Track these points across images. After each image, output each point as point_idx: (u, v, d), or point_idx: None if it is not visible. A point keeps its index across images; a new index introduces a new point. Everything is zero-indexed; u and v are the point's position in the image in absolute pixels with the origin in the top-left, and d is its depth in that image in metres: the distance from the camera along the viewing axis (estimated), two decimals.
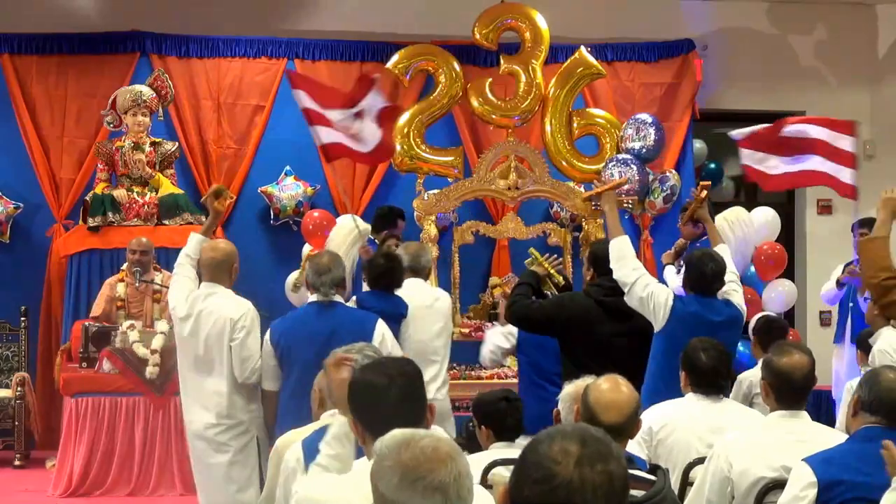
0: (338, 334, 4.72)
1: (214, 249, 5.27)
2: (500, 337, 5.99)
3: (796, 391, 3.83)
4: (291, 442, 3.80)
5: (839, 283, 7.67)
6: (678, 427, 4.30)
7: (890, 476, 3.15)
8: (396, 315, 5.55)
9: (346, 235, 7.24)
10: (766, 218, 8.18)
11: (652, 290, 5.17)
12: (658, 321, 5.16)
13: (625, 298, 5.22)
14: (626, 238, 5.33)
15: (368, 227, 7.45)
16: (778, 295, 8.27)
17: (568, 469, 1.83)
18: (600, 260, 5.37)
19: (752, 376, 5.89)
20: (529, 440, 1.97)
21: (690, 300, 5.32)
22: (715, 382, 4.38)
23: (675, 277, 7.36)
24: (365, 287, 5.79)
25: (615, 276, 5.24)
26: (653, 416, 4.37)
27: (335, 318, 5.03)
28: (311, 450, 3.34)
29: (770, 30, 9.83)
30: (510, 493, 1.89)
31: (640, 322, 5.25)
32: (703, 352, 4.37)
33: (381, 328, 5.09)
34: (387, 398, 2.77)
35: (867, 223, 7.57)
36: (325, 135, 6.35)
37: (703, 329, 4.89)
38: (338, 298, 5.15)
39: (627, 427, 3.34)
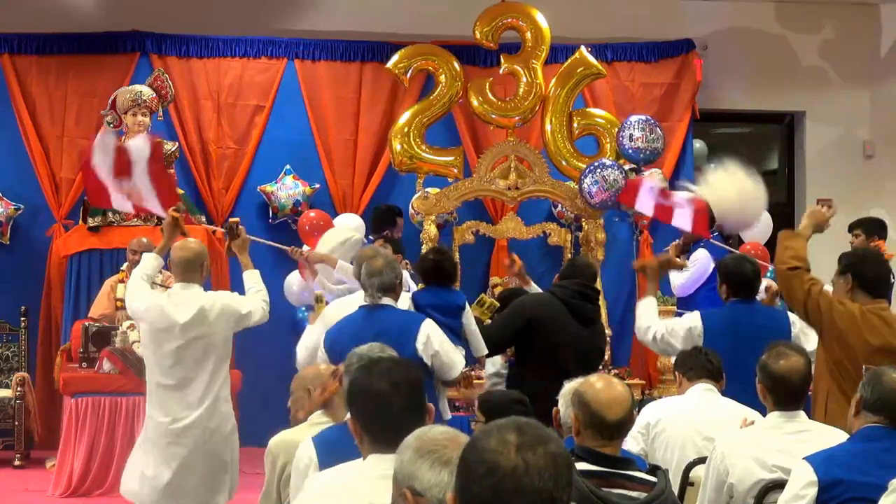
0: (382, 337, 4.68)
1: (184, 248, 5.21)
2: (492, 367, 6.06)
3: (794, 393, 3.86)
4: (284, 443, 3.80)
5: None
6: (675, 421, 4.35)
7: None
8: (452, 308, 5.51)
9: (340, 242, 7.13)
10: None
11: (672, 327, 5.31)
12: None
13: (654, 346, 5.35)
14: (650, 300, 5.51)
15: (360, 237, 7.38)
16: (760, 295, 8.26)
17: (510, 457, 1.84)
18: (571, 270, 5.56)
19: None
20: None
21: (725, 313, 5.38)
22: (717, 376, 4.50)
23: (676, 274, 7.37)
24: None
25: (640, 338, 5.37)
26: (650, 411, 4.48)
27: (380, 321, 4.95)
28: (324, 447, 3.33)
29: (770, 30, 9.83)
30: (458, 498, 1.90)
31: (599, 330, 5.32)
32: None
33: (427, 329, 5.00)
34: (391, 405, 2.77)
35: (860, 224, 7.58)
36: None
37: (745, 333, 4.99)
38: (387, 301, 5.09)
39: (630, 422, 3.36)
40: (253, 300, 5.30)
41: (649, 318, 5.43)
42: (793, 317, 5.47)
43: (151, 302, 5.13)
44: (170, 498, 5.14)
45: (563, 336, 5.19)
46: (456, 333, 5.39)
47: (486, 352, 5.77)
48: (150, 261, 5.31)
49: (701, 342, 5.14)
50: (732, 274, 5.41)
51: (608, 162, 8.08)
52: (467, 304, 5.63)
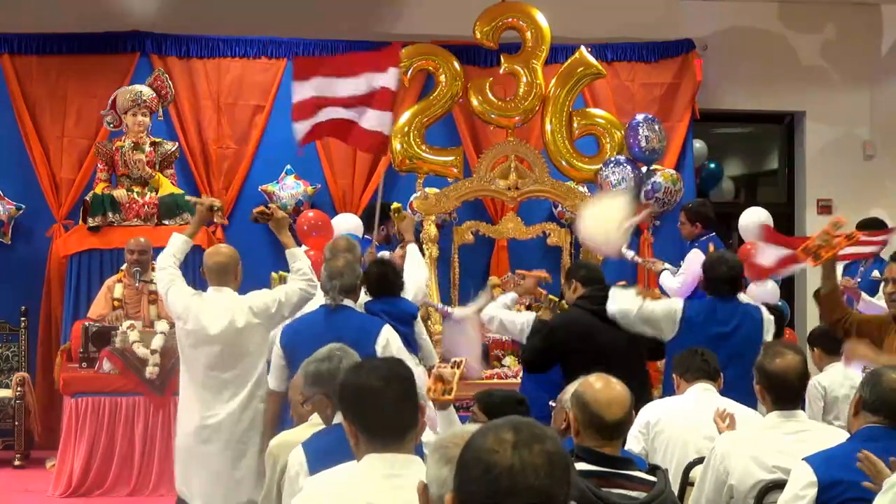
0: (341, 339, 4.71)
1: (219, 253, 5.31)
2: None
3: (792, 391, 3.87)
4: (285, 443, 3.80)
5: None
6: (675, 421, 4.38)
7: (873, 481, 3.16)
8: (405, 316, 5.51)
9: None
10: (759, 218, 8.16)
11: (653, 308, 5.42)
12: (668, 332, 5.36)
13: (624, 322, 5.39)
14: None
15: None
16: (759, 293, 8.26)
17: (506, 455, 1.84)
18: (588, 273, 5.55)
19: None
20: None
21: (704, 305, 5.52)
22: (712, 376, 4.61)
23: (671, 279, 7.34)
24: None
25: (610, 310, 5.41)
26: (650, 411, 4.51)
27: (340, 323, 5.02)
28: (314, 453, 3.32)
29: (770, 29, 9.83)
30: (456, 497, 1.90)
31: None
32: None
33: (386, 333, 5.06)
34: (384, 401, 2.77)
35: (868, 224, 7.54)
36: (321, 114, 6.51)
37: (714, 336, 5.08)
38: (348, 303, 5.14)
39: (629, 422, 3.37)
40: (288, 286, 5.34)
41: (626, 301, 5.48)
42: (767, 318, 5.56)
43: (189, 304, 5.18)
44: (222, 498, 5.20)
45: (600, 345, 5.23)
46: (408, 341, 5.40)
47: (436, 361, 5.81)
48: (178, 242, 5.33)
49: (676, 326, 5.37)
50: (707, 273, 5.64)
51: (622, 159, 8.14)
52: (419, 314, 5.63)
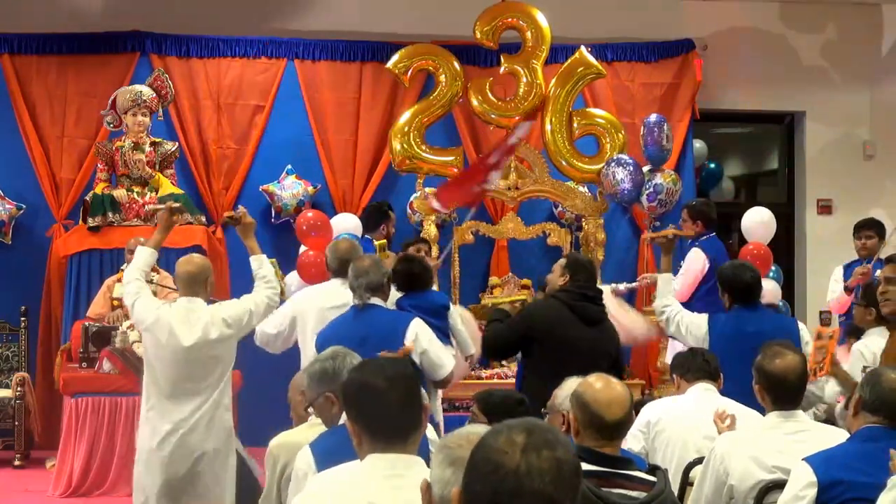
0: (370, 337, 4.70)
1: (190, 263, 5.18)
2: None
3: (791, 392, 3.86)
4: (285, 444, 3.79)
5: (847, 289, 7.51)
6: (675, 421, 4.38)
7: None
8: (437, 308, 5.50)
9: None
10: (762, 218, 8.15)
11: (683, 322, 5.54)
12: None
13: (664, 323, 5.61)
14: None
15: None
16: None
17: (515, 458, 1.84)
18: (586, 279, 5.43)
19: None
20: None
21: (730, 320, 5.41)
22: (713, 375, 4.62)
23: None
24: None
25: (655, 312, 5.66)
26: (651, 410, 4.51)
27: (368, 322, 5.00)
28: (322, 454, 3.32)
29: (770, 29, 9.83)
30: (462, 494, 1.90)
31: (607, 330, 5.30)
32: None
33: (415, 327, 5.04)
34: (387, 401, 2.76)
35: (873, 224, 7.52)
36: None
37: (751, 339, 4.97)
38: (376, 301, 5.12)
39: (629, 422, 3.36)
40: (255, 295, 5.25)
41: (666, 296, 5.69)
42: (803, 329, 5.48)
43: (160, 316, 5.03)
44: (175, 498, 5.11)
45: (570, 340, 5.17)
46: (444, 334, 5.38)
47: (472, 352, 5.78)
48: (144, 255, 5.20)
49: (706, 346, 5.22)
50: (732, 282, 5.47)
51: (627, 158, 8.14)
52: (451, 305, 5.62)
